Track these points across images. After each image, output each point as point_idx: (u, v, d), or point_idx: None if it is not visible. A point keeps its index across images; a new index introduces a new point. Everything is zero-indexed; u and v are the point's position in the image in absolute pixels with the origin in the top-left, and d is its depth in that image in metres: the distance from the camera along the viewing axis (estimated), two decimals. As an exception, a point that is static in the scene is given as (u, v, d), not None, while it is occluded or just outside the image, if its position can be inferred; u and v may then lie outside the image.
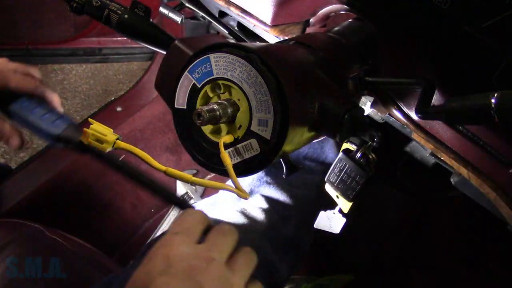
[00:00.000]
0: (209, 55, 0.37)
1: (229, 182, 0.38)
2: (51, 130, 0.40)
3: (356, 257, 1.14)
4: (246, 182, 0.79)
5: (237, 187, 0.37)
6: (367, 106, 0.53)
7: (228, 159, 0.37)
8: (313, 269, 1.13)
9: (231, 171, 0.37)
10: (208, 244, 0.35)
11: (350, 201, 0.51)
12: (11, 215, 0.97)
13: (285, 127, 0.35)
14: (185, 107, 0.40)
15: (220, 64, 0.37)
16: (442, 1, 0.41)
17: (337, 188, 0.52)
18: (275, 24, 0.58)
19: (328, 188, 0.54)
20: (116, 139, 0.37)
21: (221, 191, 0.81)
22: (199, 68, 0.38)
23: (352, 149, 0.51)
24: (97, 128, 0.38)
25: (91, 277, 0.74)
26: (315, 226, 0.59)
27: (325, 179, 0.53)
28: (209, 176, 1.35)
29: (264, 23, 0.59)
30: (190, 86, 0.39)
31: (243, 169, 0.38)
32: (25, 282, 0.68)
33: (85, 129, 0.37)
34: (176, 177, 0.37)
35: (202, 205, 0.83)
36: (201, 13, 0.69)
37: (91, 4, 0.49)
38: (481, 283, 0.95)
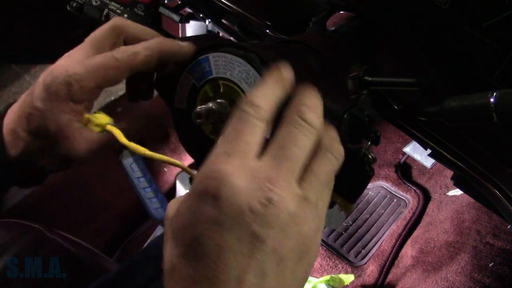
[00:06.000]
0: (208, 54, 0.37)
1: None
2: None
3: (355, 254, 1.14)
4: None
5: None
6: (366, 105, 0.52)
7: None
8: (313, 269, 1.13)
9: None
10: (271, 160, 0.26)
11: (351, 202, 0.51)
12: (11, 215, 0.97)
13: None
14: (184, 107, 0.40)
15: (219, 64, 0.37)
16: (442, 1, 0.41)
17: (337, 188, 0.51)
18: (275, 24, 0.58)
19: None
20: (107, 123, 0.40)
21: None
22: (198, 68, 0.38)
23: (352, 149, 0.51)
24: (97, 115, 0.41)
25: (91, 277, 0.74)
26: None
27: None
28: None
29: (264, 23, 0.59)
30: (190, 86, 0.39)
31: None
32: (25, 282, 0.68)
33: (84, 114, 0.39)
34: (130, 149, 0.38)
35: None
36: (201, 13, 0.69)
37: (90, 4, 0.49)
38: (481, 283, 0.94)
